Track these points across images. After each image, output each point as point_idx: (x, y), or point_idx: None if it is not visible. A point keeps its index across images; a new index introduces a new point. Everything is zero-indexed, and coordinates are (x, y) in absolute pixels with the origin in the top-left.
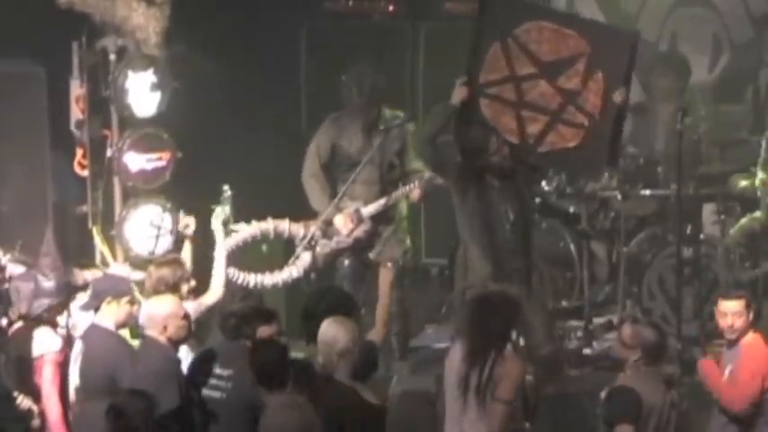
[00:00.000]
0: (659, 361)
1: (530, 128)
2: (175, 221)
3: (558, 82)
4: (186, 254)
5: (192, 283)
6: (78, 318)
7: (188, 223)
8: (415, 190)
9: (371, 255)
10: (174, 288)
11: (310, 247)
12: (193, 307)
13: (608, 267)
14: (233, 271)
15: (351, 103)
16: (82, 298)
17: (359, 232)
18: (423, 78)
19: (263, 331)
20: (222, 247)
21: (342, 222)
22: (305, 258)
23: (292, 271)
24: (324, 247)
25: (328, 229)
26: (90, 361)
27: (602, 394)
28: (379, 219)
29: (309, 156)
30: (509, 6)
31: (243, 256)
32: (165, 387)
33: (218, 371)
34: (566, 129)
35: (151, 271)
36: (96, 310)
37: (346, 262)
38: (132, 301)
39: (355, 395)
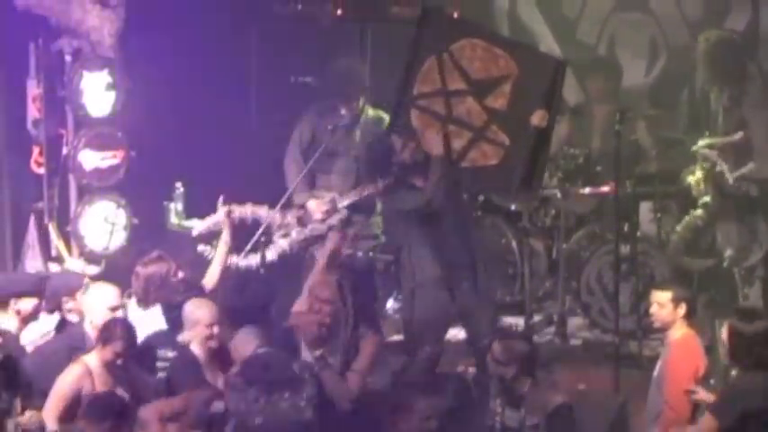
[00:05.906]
0: (533, 372)
1: (454, 143)
2: (129, 217)
3: (486, 101)
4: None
5: (181, 274)
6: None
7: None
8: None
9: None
10: (163, 284)
11: (286, 233)
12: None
13: (548, 263)
14: (208, 249)
15: (336, 93)
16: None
17: (333, 221)
18: (369, 81)
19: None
20: (227, 236)
21: (315, 206)
22: (281, 244)
23: (267, 254)
24: (299, 233)
25: (304, 216)
26: None
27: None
28: (356, 210)
29: (292, 142)
30: (448, 22)
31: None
32: None
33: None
34: (487, 146)
35: (138, 271)
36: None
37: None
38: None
39: None
